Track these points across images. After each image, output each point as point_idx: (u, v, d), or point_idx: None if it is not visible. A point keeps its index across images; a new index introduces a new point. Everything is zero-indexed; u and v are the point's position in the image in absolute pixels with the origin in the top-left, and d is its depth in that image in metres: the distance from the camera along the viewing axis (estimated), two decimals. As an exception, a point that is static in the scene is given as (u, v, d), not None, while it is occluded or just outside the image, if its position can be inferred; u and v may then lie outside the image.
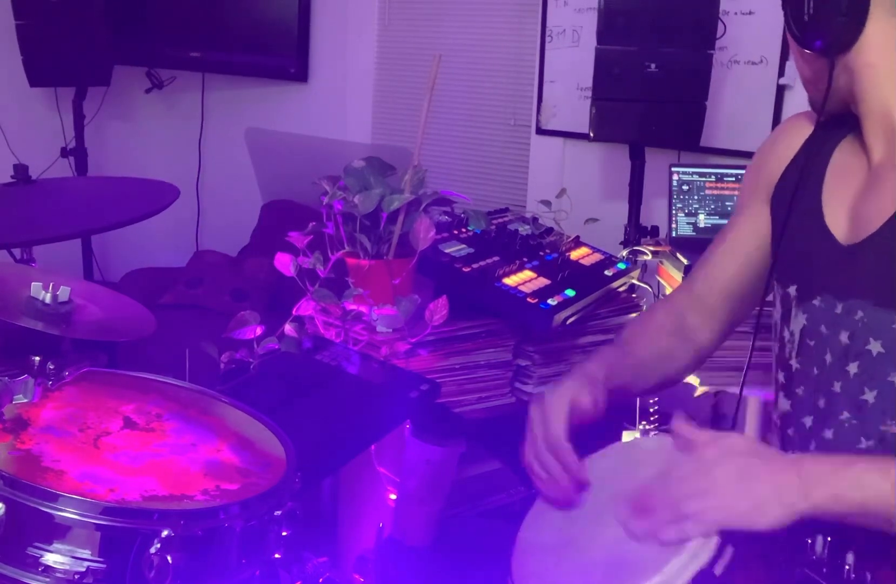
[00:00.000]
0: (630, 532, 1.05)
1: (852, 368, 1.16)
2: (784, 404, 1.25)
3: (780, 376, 1.27)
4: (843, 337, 1.17)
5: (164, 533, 1.14)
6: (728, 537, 1.01)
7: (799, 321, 1.23)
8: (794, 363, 1.24)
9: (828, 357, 1.18)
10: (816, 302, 1.20)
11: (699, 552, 1.00)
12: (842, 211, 1.21)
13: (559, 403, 1.23)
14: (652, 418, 2.56)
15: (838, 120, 1.25)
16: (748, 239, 1.36)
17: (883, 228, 1.14)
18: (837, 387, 1.17)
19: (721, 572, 1.00)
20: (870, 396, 1.14)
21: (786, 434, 1.25)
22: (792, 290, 1.25)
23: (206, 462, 1.33)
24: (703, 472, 1.03)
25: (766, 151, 1.37)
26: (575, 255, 2.39)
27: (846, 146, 1.25)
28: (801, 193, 1.24)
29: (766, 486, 1.00)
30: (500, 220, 2.49)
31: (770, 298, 1.33)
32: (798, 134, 1.31)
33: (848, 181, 1.22)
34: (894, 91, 1.16)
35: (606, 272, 2.36)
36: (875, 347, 1.14)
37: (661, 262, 2.59)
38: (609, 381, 1.29)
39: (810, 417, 1.21)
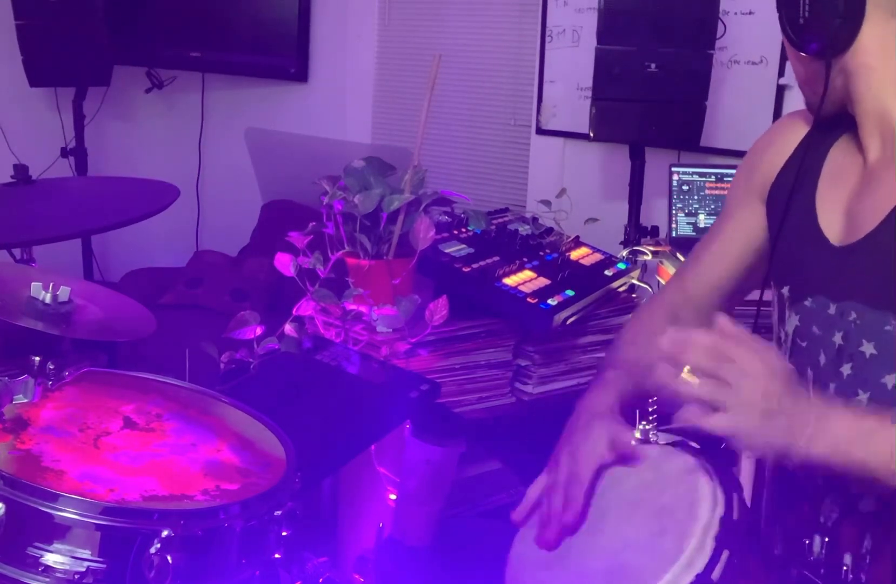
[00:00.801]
0: (663, 370, 1.04)
1: (846, 369, 1.16)
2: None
3: None
4: (837, 338, 1.16)
5: (164, 533, 1.14)
6: (723, 541, 1.00)
7: (792, 322, 1.23)
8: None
9: (821, 358, 1.18)
10: (808, 303, 1.20)
11: (695, 558, 1.00)
12: (837, 211, 1.20)
13: (594, 444, 1.24)
14: (652, 418, 2.55)
15: (834, 120, 1.24)
16: (740, 237, 1.35)
17: (877, 230, 1.14)
18: (831, 388, 1.17)
19: (719, 576, 1.00)
20: (863, 397, 1.14)
21: None
22: (785, 291, 1.25)
23: (206, 462, 1.33)
24: (732, 364, 1.02)
25: (761, 150, 1.36)
26: (575, 255, 2.39)
27: (842, 146, 1.24)
28: (795, 194, 1.24)
29: (782, 423, 1.01)
30: (500, 220, 2.49)
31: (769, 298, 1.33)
32: (793, 133, 1.31)
33: (843, 181, 1.21)
34: (891, 91, 1.16)
35: (606, 272, 2.36)
36: (868, 348, 1.13)
37: (661, 262, 2.59)
38: (625, 400, 1.33)
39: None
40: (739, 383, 1.01)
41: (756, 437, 1.02)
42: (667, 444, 1.20)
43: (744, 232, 1.35)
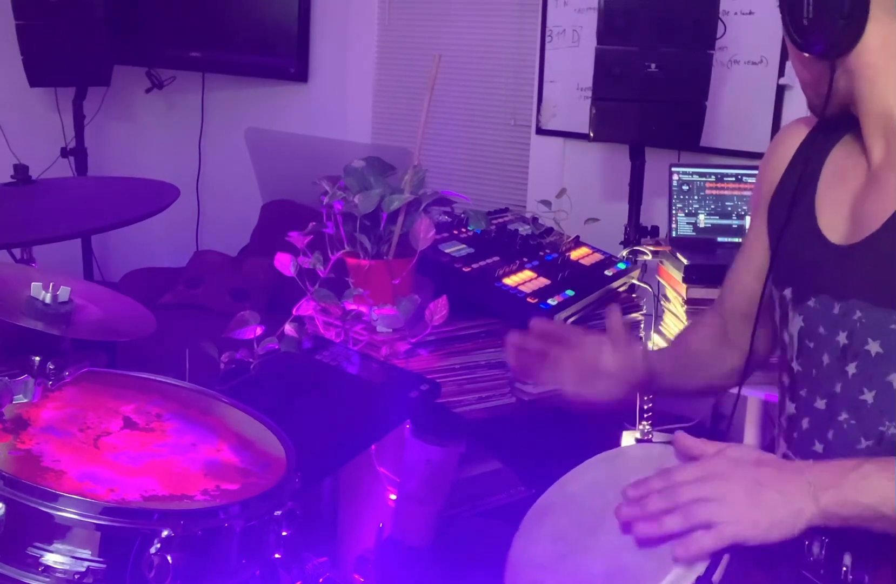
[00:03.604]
0: (638, 537, 1.03)
1: (851, 368, 1.15)
2: (790, 407, 1.25)
3: (785, 379, 1.27)
4: (842, 337, 1.16)
5: (164, 533, 1.14)
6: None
7: (796, 324, 1.23)
8: (795, 366, 1.24)
9: (825, 358, 1.18)
10: (811, 303, 1.20)
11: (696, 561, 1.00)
12: (839, 212, 1.20)
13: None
14: (651, 418, 2.56)
15: (837, 121, 1.24)
16: (760, 249, 1.35)
17: (883, 228, 1.13)
18: (837, 388, 1.17)
19: (720, 578, 0.99)
20: (868, 396, 1.14)
21: (791, 437, 1.25)
22: (787, 292, 1.24)
23: (206, 462, 1.33)
24: (712, 480, 1.02)
25: (766, 161, 1.37)
26: (575, 255, 2.39)
27: (844, 147, 1.24)
28: (797, 195, 1.24)
29: (776, 495, 1.00)
30: (500, 220, 2.49)
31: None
32: (795, 140, 1.31)
33: (846, 182, 1.21)
34: (893, 91, 1.16)
35: (606, 272, 2.37)
36: (874, 347, 1.13)
37: (661, 262, 2.59)
38: (651, 365, 1.35)
39: (810, 418, 1.20)
40: (714, 492, 1.00)
41: (762, 528, 0.99)
42: (667, 443, 1.19)
43: (761, 243, 1.34)
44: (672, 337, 2.36)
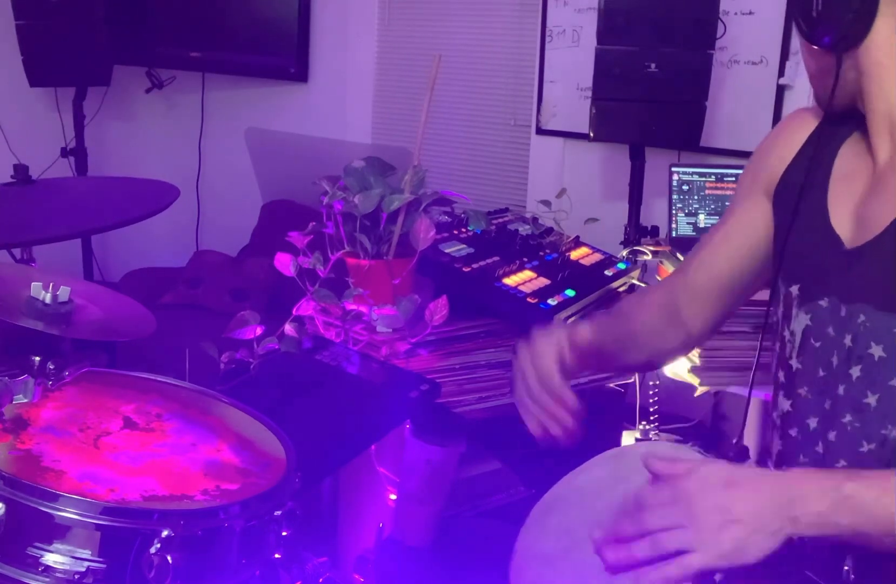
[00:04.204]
0: (606, 564, 1.01)
1: (855, 371, 1.15)
2: (784, 403, 1.25)
3: (781, 376, 1.27)
4: (847, 340, 1.16)
5: (164, 533, 1.14)
6: None
7: (801, 321, 1.22)
8: (794, 363, 1.23)
9: (834, 359, 1.18)
10: (823, 303, 1.19)
11: None
12: (846, 212, 1.20)
13: (548, 342, 1.28)
14: (652, 418, 2.56)
15: (843, 117, 1.24)
16: (744, 232, 1.35)
17: (886, 232, 1.13)
18: (841, 390, 1.16)
19: (721, 578, 0.99)
20: (872, 400, 1.14)
21: (788, 435, 1.24)
22: (794, 289, 1.24)
23: (206, 462, 1.33)
24: (680, 505, 1.00)
25: (768, 147, 1.35)
26: (575, 255, 2.39)
27: (851, 145, 1.24)
28: (806, 192, 1.24)
29: (748, 520, 0.98)
30: (500, 220, 2.49)
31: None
32: (801, 130, 1.30)
33: (853, 182, 1.21)
34: None
35: (606, 272, 2.36)
36: (877, 351, 1.13)
37: (661, 262, 2.59)
38: (595, 340, 1.34)
39: (815, 418, 1.20)
40: (681, 518, 0.99)
41: (731, 556, 0.97)
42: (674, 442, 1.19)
43: (747, 226, 1.34)
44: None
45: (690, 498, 1.00)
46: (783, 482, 1.02)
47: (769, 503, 0.99)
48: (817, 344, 1.20)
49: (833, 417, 1.17)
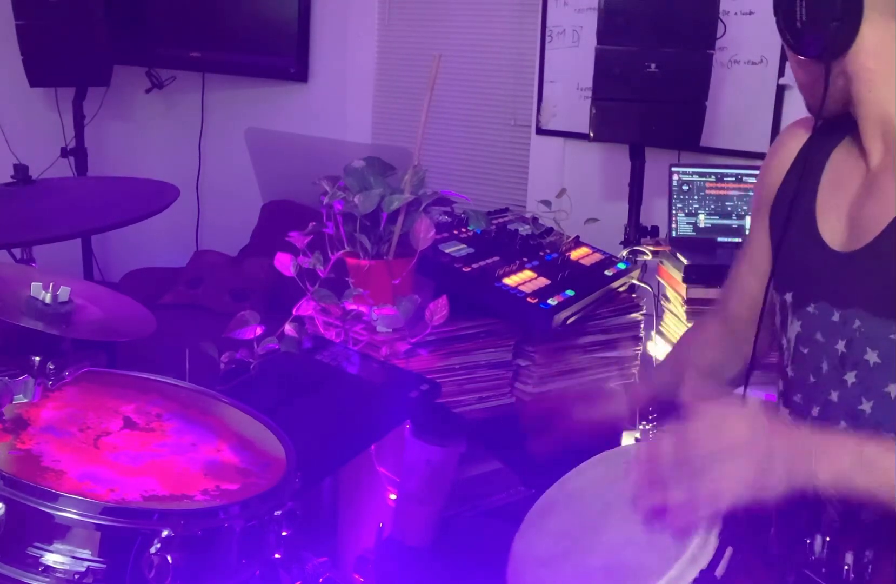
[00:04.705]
0: (642, 508, 1.04)
1: (850, 377, 1.15)
2: (784, 412, 1.25)
3: (780, 384, 1.27)
4: (840, 346, 1.15)
5: (164, 533, 1.14)
6: (727, 538, 1.00)
7: (794, 329, 1.22)
8: (788, 371, 1.23)
9: (824, 365, 1.17)
10: (811, 309, 1.19)
11: (699, 554, 1.00)
12: (839, 217, 1.19)
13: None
14: (651, 418, 2.55)
15: (835, 123, 1.24)
16: (762, 253, 1.35)
17: (881, 236, 1.13)
18: (835, 396, 1.16)
19: (722, 574, 0.99)
20: (867, 406, 1.13)
21: None
22: (788, 297, 1.24)
23: (206, 462, 1.33)
24: (714, 433, 1.02)
25: (766, 164, 1.36)
26: (575, 255, 2.39)
27: (843, 150, 1.24)
28: (797, 199, 1.24)
29: (782, 465, 1.00)
30: (500, 220, 2.49)
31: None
32: (795, 142, 1.30)
33: (845, 186, 1.20)
34: (891, 94, 1.15)
35: (606, 272, 2.36)
36: (872, 357, 1.13)
37: (661, 262, 2.59)
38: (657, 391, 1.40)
39: (805, 425, 1.20)
40: (714, 457, 1.01)
41: (761, 488, 1.00)
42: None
43: (763, 246, 1.34)
44: (673, 339, 2.35)
45: (723, 426, 1.02)
46: (811, 434, 1.06)
47: (795, 447, 1.01)
48: (805, 350, 1.20)
49: (826, 424, 1.17)
